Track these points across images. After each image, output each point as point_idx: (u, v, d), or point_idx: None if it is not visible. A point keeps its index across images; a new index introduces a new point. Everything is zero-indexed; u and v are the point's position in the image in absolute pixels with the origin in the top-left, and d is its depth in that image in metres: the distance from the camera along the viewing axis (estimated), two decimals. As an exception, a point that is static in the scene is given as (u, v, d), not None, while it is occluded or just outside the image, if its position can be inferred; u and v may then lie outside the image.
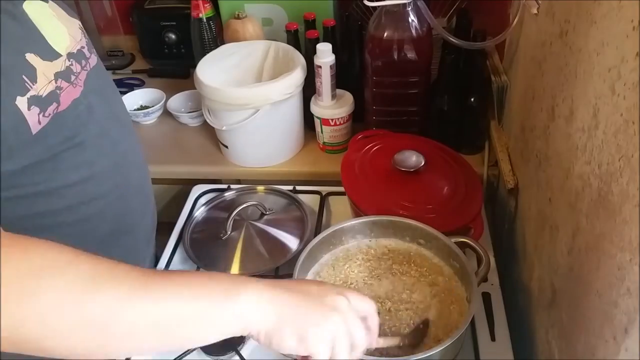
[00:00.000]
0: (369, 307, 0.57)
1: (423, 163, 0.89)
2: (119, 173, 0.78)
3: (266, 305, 0.50)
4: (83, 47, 0.73)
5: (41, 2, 0.67)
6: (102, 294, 0.45)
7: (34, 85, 0.61)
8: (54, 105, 0.64)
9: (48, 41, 0.65)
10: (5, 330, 0.41)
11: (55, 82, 0.65)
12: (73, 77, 0.69)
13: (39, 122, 0.62)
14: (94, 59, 0.75)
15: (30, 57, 0.61)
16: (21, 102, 0.59)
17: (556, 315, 0.70)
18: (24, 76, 0.60)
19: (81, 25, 0.75)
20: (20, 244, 0.45)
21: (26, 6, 0.64)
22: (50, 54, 0.65)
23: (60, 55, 0.67)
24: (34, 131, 0.62)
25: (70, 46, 0.69)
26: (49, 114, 0.64)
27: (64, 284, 0.44)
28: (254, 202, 0.96)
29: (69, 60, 0.68)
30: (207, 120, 1.11)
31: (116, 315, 0.45)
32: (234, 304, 0.49)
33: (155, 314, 0.46)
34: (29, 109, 0.60)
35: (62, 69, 0.66)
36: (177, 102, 1.30)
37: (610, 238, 0.52)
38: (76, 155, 0.69)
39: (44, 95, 0.63)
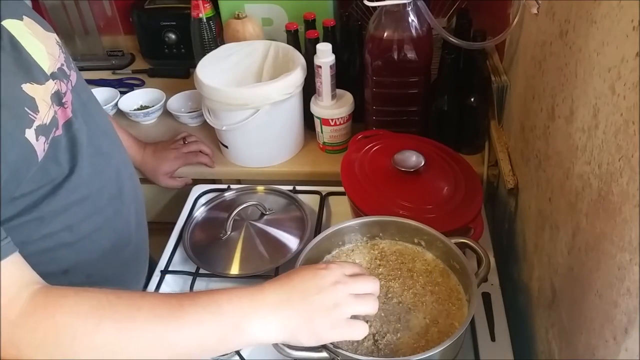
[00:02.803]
0: (366, 287, 0.63)
1: (423, 163, 0.89)
2: (114, 186, 0.79)
3: (275, 328, 0.58)
4: (62, 65, 0.70)
5: (16, 20, 0.63)
6: (140, 329, 0.55)
7: (37, 114, 0.60)
8: (54, 130, 0.64)
9: (37, 61, 0.63)
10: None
11: (53, 107, 0.64)
12: (63, 98, 0.67)
13: (44, 150, 0.62)
14: (74, 76, 0.73)
15: (27, 87, 0.60)
16: (30, 134, 0.59)
17: (556, 315, 0.70)
18: (26, 108, 0.59)
19: (58, 39, 0.73)
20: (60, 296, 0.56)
21: (6, 25, 0.60)
22: (41, 76, 0.63)
23: (48, 77, 0.65)
24: (39, 159, 0.62)
25: (52, 65, 0.67)
26: (50, 140, 0.63)
27: (112, 324, 0.54)
28: (254, 202, 0.96)
29: (55, 81, 0.66)
30: (207, 120, 1.11)
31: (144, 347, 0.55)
32: (246, 335, 0.58)
33: (179, 345, 0.56)
34: (37, 139, 0.60)
35: (53, 91, 0.65)
36: (177, 102, 1.30)
37: (610, 238, 0.52)
38: (74, 178, 0.69)
39: (47, 123, 0.62)
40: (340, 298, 0.60)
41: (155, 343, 0.55)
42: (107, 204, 0.77)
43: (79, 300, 0.55)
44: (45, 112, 0.62)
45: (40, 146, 0.61)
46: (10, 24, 0.61)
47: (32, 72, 0.62)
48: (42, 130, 0.61)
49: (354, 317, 0.63)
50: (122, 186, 0.81)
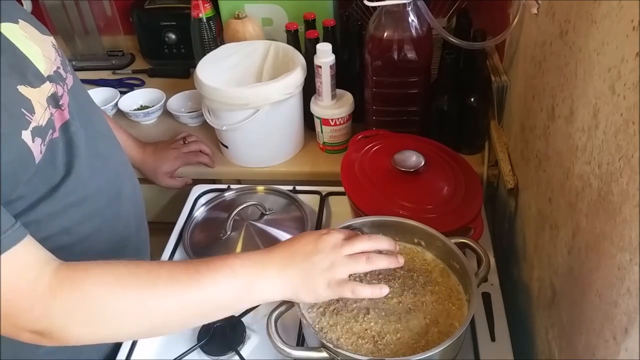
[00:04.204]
0: (361, 246, 0.68)
1: (423, 163, 0.89)
2: (113, 188, 0.79)
3: (281, 288, 0.65)
4: (59, 67, 0.71)
5: (11, 24, 0.64)
6: (161, 294, 0.61)
7: (33, 116, 0.61)
8: (50, 132, 0.64)
9: (34, 63, 0.64)
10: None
11: (49, 109, 0.64)
12: (60, 100, 0.68)
13: (40, 152, 0.62)
14: (70, 78, 0.74)
15: (22, 89, 0.60)
16: (26, 135, 0.59)
17: (556, 315, 0.70)
18: (22, 109, 0.59)
19: (54, 42, 0.73)
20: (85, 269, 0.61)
21: (2, 29, 0.61)
22: (37, 79, 0.64)
23: (45, 79, 0.65)
24: (37, 161, 0.62)
25: (47, 68, 0.67)
26: (47, 142, 0.64)
27: (137, 292, 0.60)
28: (254, 202, 0.96)
29: (51, 83, 0.67)
30: (207, 120, 1.11)
31: (168, 308, 0.61)
32: (256, 293, 0.65)
33: (197, 305, 0.63)
34: (33, 141, 0.60)
35: (50, 94, 0.65)
36: (177, 102, 1.30)
37: (610, 238, 0.52)
38: (71, 180, 0.69)
39: (43, 125, 0.62)
40: (336, 260, 0.66)
41: (177, 305, 0.61)
42: (105, 205, 0.77)
43: (102, 271, 0.60)
44: (41, 114, 0.62)
45: (36, 148, 0.61)
46: (5, 28, 0.62)
47: (27, 75, 0.62)
48: (38, 132, 0.61)
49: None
50: (120, 188, 0.81)
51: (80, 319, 0.58)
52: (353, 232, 0.73)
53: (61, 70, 0.71)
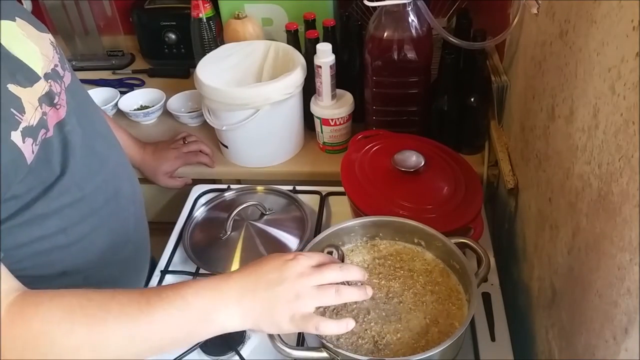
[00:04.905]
0: (330, 277, 0.63)
1: (423, 163, 0.89)
2: (110, 188, 0.78)
3: (239, 318, 0.60)
4: (56, 65, 0.70)
5: (8, 21, 0.63)
6: (111, 329, 0.57)
7: (23, 116, 0.60)
8: (43, 131, 0.63)
9: (26, 63, 0.63)
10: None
11: (41, 108, 0.63)
12: (56, 99, 0.67)
13: (32, 152, 0.62)
14: (68, 76, 0.73)
15: (12, 88, 0.59)
16: (16, 136, 0.58)
17: (556, 315, 0.70)
18: (12, 109, 0.58)
19: (52, 40, 0.73)
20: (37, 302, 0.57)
21: None
22: (29, 79, 0.63)
23: (40, 78, 0.64)
24: (29, 161, 0.61)
25: (45, 66, 0.66)
26: (39, 142, 0.63)
27: (86, 326, 0.57)
28: (254, 202, 0.96)
29: (47, 82, 0.66)
30: (207, 120, 1.11)
31: (122, 345, 0.58)
32: (213, 325, 0.60)
33: (148, 339, 0.59)
34: (23, 141, 0.59)
35: (44, 92, 0.64)
36: (177, 102, 1.30)
37: (610, 238, 0.52)
38: (66, 180, 0.69)
39: (34, 125, 0.61)
40: (302, 290, 0.61)
41: (126, 340, 0.58)
42: (102, 205, 0.77)
43: (52, 306, 0.57)
44: (31, 114, 0.61)
45: (27, 148, 0.60)
46: (2, 25, 0.61)
47: (16, 75, 0.61)
48: (28, 132, 0.60)
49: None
50: (119, 187, 0.81)
51: (29, 357, 0.56)
52: (323, 256, 0.67)
53: (59, 68, 0.71)
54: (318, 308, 0.68)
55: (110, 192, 0.79)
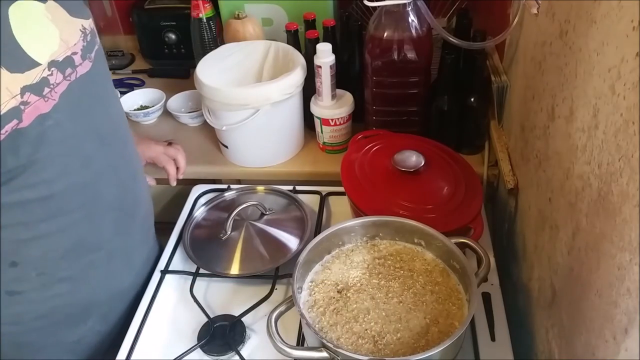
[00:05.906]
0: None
1: (423, 163, 0.89)
2: (89, 191, 0.74)
3: None
4: (75, 53, 0.67)
5: (37, 2, 0.62)
6: None
7: None
8: (14, 122, 0.60)
9: (25, 49, 0.61)
10: None
11: (21, 97, 0.60)
12: (47, 90, 0.64)
13: None
14: (86, 66, 0.70)
15: None
16: None
17: (556, 315, 0.70)
18: None
19: (84, 27, 0.70)
20: None
21: (13, 8, 0.59)
22: (22, 65, 0.60)
23: (38, 64, 0.62)
24: None
25: (56, 53, 0.64)
26: (7, 131, 0.60)
27: None
28: (254, 202, 0.96)
29: (49, 70, 0.63)
30: (207, 120, 1.11)
31: None
32: None
33: None
34: None
35: (35, 81, 0.62)
36: (177, 102, 1.30)
37: (610, 238, 0.52)
38: (33, 174, 0.66)
39: (2, 113, 0.59)
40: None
41: None
42: (76, 208, 0.73)
43: None
44: (4, 101, 0.59)
45: None
46: (20, 6, 0.60)
47: (10, 57, 0.59)
48: None
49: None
50: (99, 192, 0.76)
51: None
52: None
53: (77, 56, 0.67)
54: (319, 309, 0.67)
55: (89, 196, 0.74)
